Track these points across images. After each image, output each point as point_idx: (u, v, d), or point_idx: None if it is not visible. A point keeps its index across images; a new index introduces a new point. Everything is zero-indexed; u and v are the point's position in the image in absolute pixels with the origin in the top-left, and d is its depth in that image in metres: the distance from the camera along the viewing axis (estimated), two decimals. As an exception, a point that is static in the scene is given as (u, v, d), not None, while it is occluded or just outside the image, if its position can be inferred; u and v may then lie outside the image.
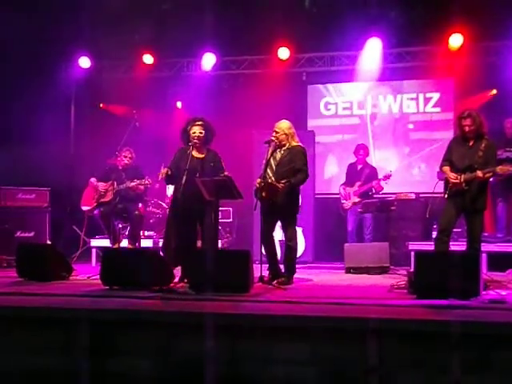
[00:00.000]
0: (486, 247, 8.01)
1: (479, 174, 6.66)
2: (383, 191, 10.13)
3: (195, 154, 7.07)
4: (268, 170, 7.19)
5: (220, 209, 7.99)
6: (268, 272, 7.26)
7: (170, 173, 7.00)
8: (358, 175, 10.05)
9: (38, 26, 9.80)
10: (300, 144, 7.35)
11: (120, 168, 8.97)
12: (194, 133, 7.06)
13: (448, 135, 10.26)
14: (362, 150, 10.20)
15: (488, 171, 6.70)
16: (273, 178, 7.10)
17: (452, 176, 6.80)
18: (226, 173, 6.98)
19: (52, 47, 10.53)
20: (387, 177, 9.75)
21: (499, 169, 6.75)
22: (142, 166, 9.17)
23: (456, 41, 10.33)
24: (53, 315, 5.19)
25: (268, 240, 7.31)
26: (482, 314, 4.89)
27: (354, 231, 9.98)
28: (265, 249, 7.33)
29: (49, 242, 9.71)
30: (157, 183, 9.73)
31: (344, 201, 10.05)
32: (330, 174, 11.79)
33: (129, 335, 5.01)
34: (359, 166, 10.18)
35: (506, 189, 9.18)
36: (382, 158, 11.46)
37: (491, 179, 7.00)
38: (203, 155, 7.13)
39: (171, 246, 7.04)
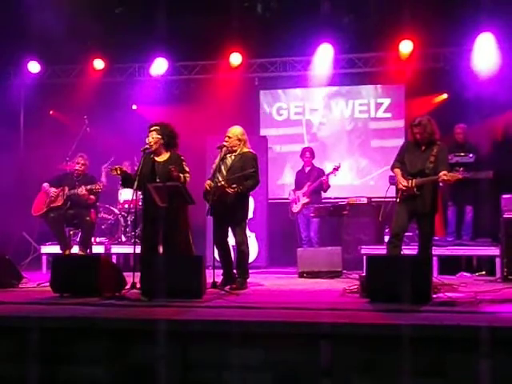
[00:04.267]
0: (436, 251, 8.12)
1: (442, 175, 6.67)
2: (336, 196, 10.23)
3: (157, 158, 7.08)
4: (218, 175, 7.17)
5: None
6: (222, 277, 7.23)
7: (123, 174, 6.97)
8: (307, 177, 10.12)
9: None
10: (251, 150, 7.36)
11: (74, 174, 8.85)
12: (148, 140, 7.07)
13: (398, 142, 10.41)
14: (307, 152, 10.29)
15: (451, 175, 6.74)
16: (222, 183, 7.06)
17: (402, 182, 6.87)
18: (187, 174, 6.97)
19: None
20: (336, 169, 9.83)
21: (450, 176, 6.77)
22: (95, 174, 9.06)
23: (406, 47, 10.50)
24: (2, 323, 5.08)
25: (222, 245, 7.28)
26: (433, 318, 4.94)
27: (308, 237, 10.03)
28: (218, 253, 7.31)
29: (-3, 249, 9.52)
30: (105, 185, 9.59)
31: (294, 204, 10.10)
32: (284, 179, 11.82)
33: (80, 343, 4.94)
34: (307, 169, 10.27)
35: (456, 193, 9.31)
36: (333, 161, 11.51)
37: (441, 184, 7.06)
38: (165, 158, 7.09)
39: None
